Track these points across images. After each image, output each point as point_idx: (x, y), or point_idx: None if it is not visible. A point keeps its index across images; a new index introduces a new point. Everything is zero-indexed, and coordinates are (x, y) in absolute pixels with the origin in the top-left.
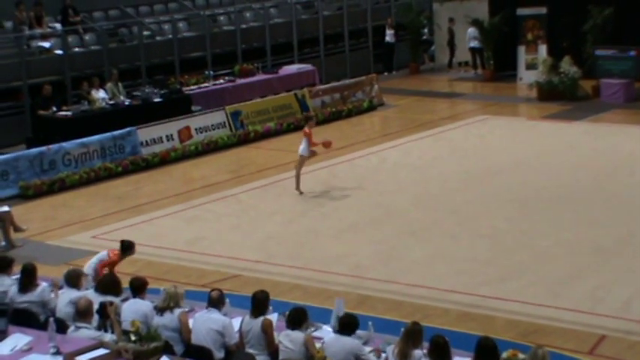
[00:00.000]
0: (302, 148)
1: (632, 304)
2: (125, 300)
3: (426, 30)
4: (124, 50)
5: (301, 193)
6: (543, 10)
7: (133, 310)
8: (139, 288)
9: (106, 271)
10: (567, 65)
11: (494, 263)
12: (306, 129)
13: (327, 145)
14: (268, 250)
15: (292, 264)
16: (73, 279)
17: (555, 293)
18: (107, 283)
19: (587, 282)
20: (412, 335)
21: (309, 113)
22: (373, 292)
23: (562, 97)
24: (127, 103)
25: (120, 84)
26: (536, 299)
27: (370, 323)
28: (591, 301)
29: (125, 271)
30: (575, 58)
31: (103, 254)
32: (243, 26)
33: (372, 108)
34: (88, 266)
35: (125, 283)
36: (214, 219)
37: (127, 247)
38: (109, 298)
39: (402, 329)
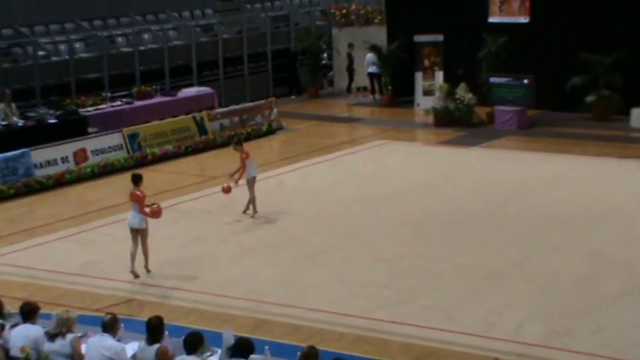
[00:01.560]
0: (251, 169)
1: (523, 328)
2: (15, 325)
3: (325, 55)
4: (18, 70)
5: (256, 212)
6: (440, 38)
7: (23, 335)
8: (29, 313)
9: (147, 209)
10: (463, 92)
11: (390, 287)
12: (243, 153)
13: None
14: (165, 274)
15: (189, 288)
16: None
17: (449, 317)
18: None
19: (480, 305)
20: (308, 359)
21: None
22: (270, 316)
23: (458, 123)
24: (20, 124)
25: (13, 104)
26: (430, 323)
27: (267, 347)
28: (484, 324)
29: (16, 296)
30: (470, 85)
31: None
32: (142, 48)
33: (271, 132)
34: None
35: (16, 309)
36: (110, 242)
37: (137, 179)
38: None
39: (299, 353)
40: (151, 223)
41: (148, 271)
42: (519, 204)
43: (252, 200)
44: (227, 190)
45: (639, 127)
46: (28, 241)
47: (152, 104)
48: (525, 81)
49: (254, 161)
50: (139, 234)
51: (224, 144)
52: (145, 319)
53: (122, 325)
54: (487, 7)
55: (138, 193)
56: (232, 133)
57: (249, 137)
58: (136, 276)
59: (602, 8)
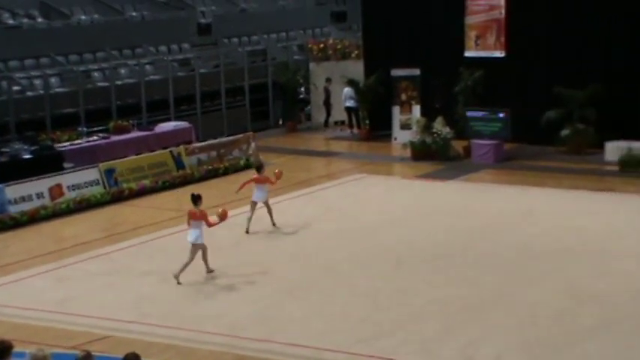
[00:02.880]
0: (263, 194)
1: None
2: None
3: (302, 89)
4: None
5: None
6: (417, 72)
7: None
8: (3, 352)
9: (214, 219)
10: (440, 126)
11: (369, 321)
12: (262, 176)
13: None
14: (141, 310)
15: (166, 324)
16: None
17: (428, 350)
18: None
19: (458, 339)
20: None
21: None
22: (249, 352)
23: (435, 157)
24: None
25: None
26: (409, 356)
27: None
28: (463, 357)
29: None
30: (447, 118)
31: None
32: (118, 82)
33: (249, 166)
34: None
35: None
36: (86, 278)
37: (196, 199)
38: None
39: None
40: (130, 258)
41: (210, 271)
42: (496, 237)
43: (249, 219)
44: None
45: (613, 161)
46: (2, 278)
47: (129, 139)
48: (501, 115)
49: (264, 187)
50: (198, 249)
51: (202, 178)
52: (121, 356)
53: None
54: (463, 41)
55: (197, 212)
56: (210, 167)
57: (227, 172)
58: (178, 282)
59: (577, 43)
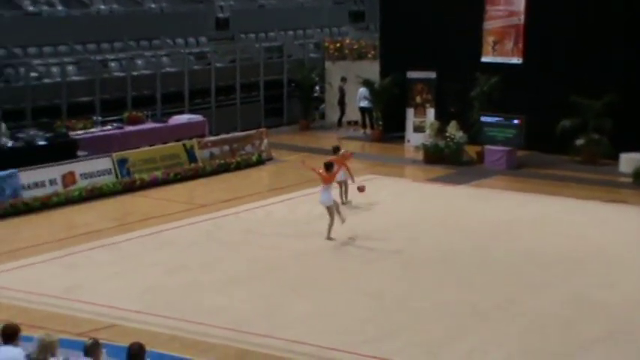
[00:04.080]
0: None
1: None
2: None
3: (317, 87)
4: (9, 90)
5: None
6: (433, 75)
7: (3, 358)
8: (10, 336)
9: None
10: (454, 130)
11: (375, 322)
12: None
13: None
14: (147, 301)
15: (171, 315)
16: None
17: (433, 354)
18: None
19: (464, 344)
20: None
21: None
22: (253, 347)
23: (447, 161)
24: (9, 145)
25: (3, 125)
26: (413, 359)
27: None
28: None
29: None
30: (461, 123)
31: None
32: (134, 73)
33: (260, 162)
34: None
35: None
36: (94, 267)
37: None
38: None
39: None
40: (138, 248)
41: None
42: (506, 244)
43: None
44: (362, 189)
45: (628, 172)
46: (11, 263)
47: (142, 130)
48: (516, 121)
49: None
50: (329, 210)
51: (213, 172)
52: (126, 345)
53: (104, 350)
54: (480, 46)
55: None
56: (222, 161)
57: (238, 167)
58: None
59: (595, 52)
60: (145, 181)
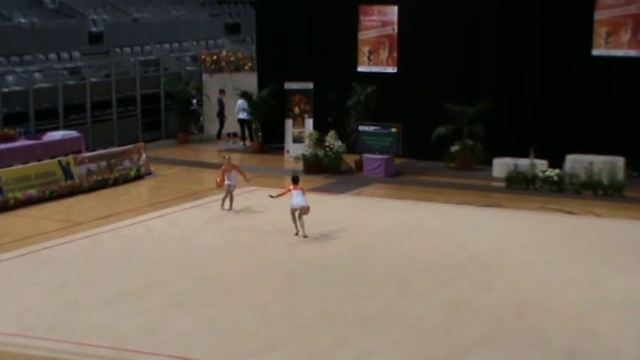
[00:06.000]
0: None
1: None
2: None
3: (195, 100)
4: None
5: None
6: (310, 86)
7: None
8: None
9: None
10: (332, 139)
11: (258, 334)
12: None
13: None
14: (25, 323)
15: (51, 337)
16: None
17: None
18: None
19: (347, 353)
20: None
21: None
22: None
23: (327, 171)
24: None
25: None
26: None
27: None
28: None
29: None
30: (340, 132)
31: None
32: (5, 90)
33: (139, 177)
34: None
35: None
36: None
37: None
38: None
39: None
40: (14, 268)
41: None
42: (385, 251)
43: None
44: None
45: (501, 177)
46: None
47: (15, 147)
48: (393, 130)
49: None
50: (304, 211)
51: (91, 189)
52: None
53: None
54: (356, 56)
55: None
56: (99, 178)
57: (117, 182)
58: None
59: (467, 60)
60: (19, 199)
